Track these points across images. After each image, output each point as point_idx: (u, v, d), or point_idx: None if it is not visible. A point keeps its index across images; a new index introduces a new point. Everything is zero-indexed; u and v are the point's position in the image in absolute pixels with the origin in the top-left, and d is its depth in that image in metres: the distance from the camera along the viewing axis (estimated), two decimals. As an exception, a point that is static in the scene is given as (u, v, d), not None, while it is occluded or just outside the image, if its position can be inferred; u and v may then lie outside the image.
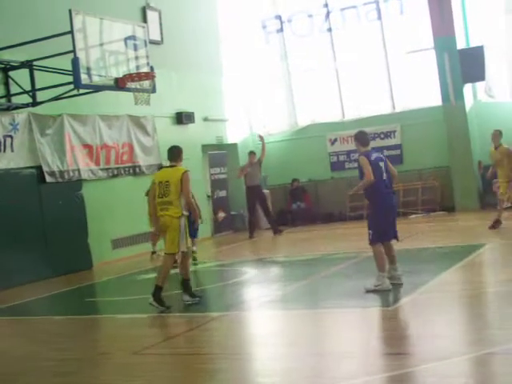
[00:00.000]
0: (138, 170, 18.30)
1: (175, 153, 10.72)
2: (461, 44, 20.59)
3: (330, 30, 22.59)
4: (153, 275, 14.26)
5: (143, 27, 15.00)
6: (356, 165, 10.51)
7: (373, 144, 21.15)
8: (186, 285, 10.38)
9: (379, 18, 21.88)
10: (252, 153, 20.11)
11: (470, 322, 8.05)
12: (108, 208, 17.01)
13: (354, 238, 17.27)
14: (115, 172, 17.59)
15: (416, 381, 6.10)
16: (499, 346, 6.63)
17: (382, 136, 21.80)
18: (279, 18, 23.18)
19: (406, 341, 7.30)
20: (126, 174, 17.97)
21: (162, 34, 19.60)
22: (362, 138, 10.27)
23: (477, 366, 6.30)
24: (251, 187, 19.76)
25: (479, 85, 21.02)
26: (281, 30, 23.20)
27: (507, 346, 6.56)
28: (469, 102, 20.77)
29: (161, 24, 19.62)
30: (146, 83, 14.32)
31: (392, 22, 21.87)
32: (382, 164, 10.00)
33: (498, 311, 8.37)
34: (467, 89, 20.76)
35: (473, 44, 20.81)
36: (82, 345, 8.72)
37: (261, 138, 20.25)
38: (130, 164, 18.09)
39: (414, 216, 20.15)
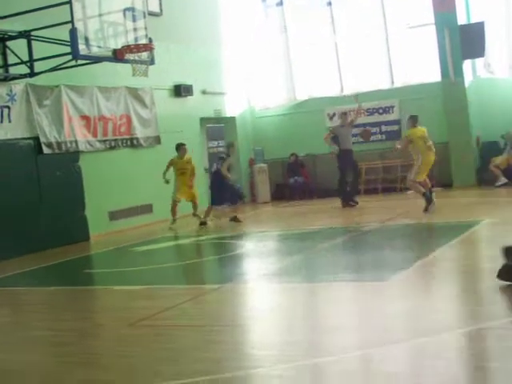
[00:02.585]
0: (135, 142, 18.27)
1: None
2: (461, 20, 20.49)
3: (329, 3, 22.43)
4: (149, 247, 14.36)
5: (142, -2, 14.90)
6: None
7: (371, 119, 21.40)
8: None
9: (381, -8, 21.75)
10: (344, 114, 18.94)
11: (465, 297, 8.08)
12: (105, 180, 17.01)
13: (352, 212, 17.33)
14: (113, 144, 17.55)
15: (411, 354, 6.14)
16: (493, 320, 6.66)
17: (381, 111, 21.74)
18: (279, -10, 23.03)
19: (401, 314, 7.32)
20: (124, 146, 17.94)
21: (161, 5, 19.47)
22: None
23: (472, 340, 6.33)
24: (344, 150, 18.23)
25: (478, 61, 20.97)
26: (280, 3, 23.03)
27: (501, 321, 6.60)
28: (468, 78, 20.71)
29: (160, -5, 19.51)
30: (145, 55, 14.28)
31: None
32: None
33: (493, 286, 8.41)
34: (466, 65, 20.69)
35: (473, 20, 20.71)
36: (78, 316, 8.75)
37: (356, 98, 19.33)
38: (127, 136, 18.04)
39: (410, 192, 20.14)
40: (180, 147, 16.99)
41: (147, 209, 18.30)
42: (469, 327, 6.59)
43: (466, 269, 9.45)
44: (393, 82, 21.96)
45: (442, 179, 20.49)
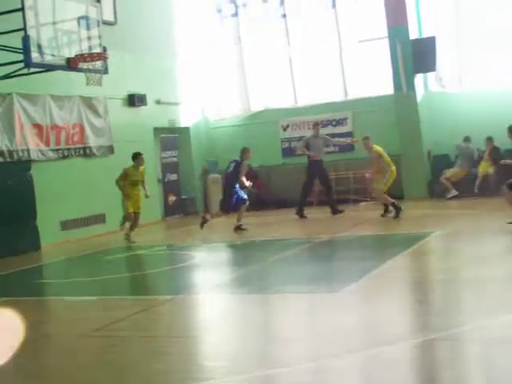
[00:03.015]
0: (88, 151, 18.12)
1: None
2: (413, 34, 20.77)
3: (284, 16, 22.60)
4: (102, 257, 14.24)
5: (96, 7, 14.78)
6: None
7: (324, 131, 21.48)
8: None
9: (334, 5, 21.95)
10: (316, 124, 19.04)
11: (415, 308, 8.17)
12: (57, 189, 16.83)
13: (306, 223, 17.41)
14: (65, 153, 17.38)
15: (362, 365, 6.18)
16: (444, 331, 6.74)
17: (334, 123, 21.91)
18: (234, 2, 23.09)
19: (353, 325, 7.37)
20: (77, 155, 17.79)
21: (115, 14, 19.38)
22: None
23: (424, 350, 6.40)
24: (315, 161, 18.31)
25: (430, 75, 21.26)
26: (235, 14, 23.12)
27: (448, 332, 6.68)
28: (420, 91, 20.99)
29: (114, 4, 19.38)
30: (99, 64, 14.17)
31: (346, 10, 21.95)
32: None
33: (441, 298, 8.53)
34: (419, 79, 20.96)
35: (425, 34, 21.01)
36: (26, 326, 8.62)
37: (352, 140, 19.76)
38: (80, 145, 17.89)
39: (363, 203, 20.31)
40: (137, 157, 16.18)
41: (100, 219, 18.15)
42: (420, 338, 6.65)
43: (418, 280, 9.56)
44: (346, 95, 22.15)
45: (394, 191, 20.64)
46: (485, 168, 18.82)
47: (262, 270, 11.44)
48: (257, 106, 23.16)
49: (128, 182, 16.02)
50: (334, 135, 21.05)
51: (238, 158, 16.67)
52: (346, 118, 21.82)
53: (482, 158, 19.12)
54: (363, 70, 21.88)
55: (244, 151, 16.73)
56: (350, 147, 20.64)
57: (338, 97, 22.14)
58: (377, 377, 5.81)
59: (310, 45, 22.33)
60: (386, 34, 20.81)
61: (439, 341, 6.53)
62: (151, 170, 19.00)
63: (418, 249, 12.00)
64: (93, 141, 18.24)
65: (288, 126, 22.32)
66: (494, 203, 15.49)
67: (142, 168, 16.20)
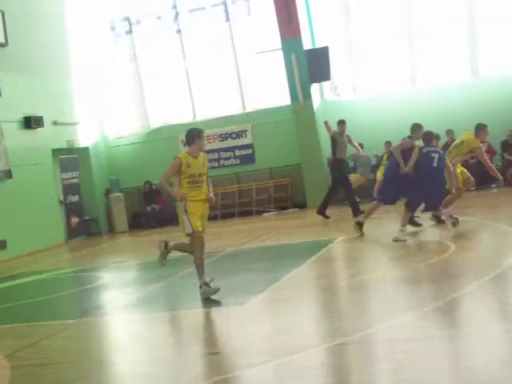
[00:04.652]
0: (-16, 175, 17.71)
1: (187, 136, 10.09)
2: (307, 45, 21.15)
3: (179, 31, 22.67)
4: (5, 284, 13.90)
5: (-15, 29, 14.53)
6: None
7: (225, 144, 21.67)
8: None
9: (227, 19, 22.15)
10: (342, 122, 17.26)
11: (322, 315, 8.31)
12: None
13: (209, 237, 17.39)
14: (-39, 180, 16.96)
15: (277, 374, 6.25)
16: (350, 336, 6.89)
17: (234, 136, 22.06)
18: (128, 19, 23.02)
19: (260, 336, 7.44)
20: (-27, 182, 17.37)
21: (6, 35, 19.01)
22: None
23: (329, 356, 6.52)
24: (340, 160, 17.14)
25: (326, 84, 21.68)
26: (130, 31, 23.05)
27: (356, 336, 6.84)
28: (316, 100, 21.37)
29: (4, 25, 19.02)
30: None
31: (240, 23, 22.19)
32: None
33: (348, 303, 8.71)
34: (314, 88, 21.35)
35: (318, 44, 21.43)
36: None
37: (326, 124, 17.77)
38: (-24, 171, 17.48)
39: (266, 214, 20.50)
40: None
41: (0, 245, 17.72)
42: (329, 343, 6.76)
43: (324, 286, 9.71)
44: (244, 107, 22.34)
45: (296, 200, 20.98)
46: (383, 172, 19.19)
47: (169, 287, 11.40)
48: (156, 123, 23.09)
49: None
50: (234, 148, 21.22)
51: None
52: (245, 131, 22.01)
53: (380, 162, 19.53)
54: (260, 82, 22.14)
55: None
56: (252, 159, 20.82)
57: (236, 109, 22.30)
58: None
59: (206, 59, 22.45)
60: (280, 46, 21.11)
61: (348, 345, 6.66)
62: (51, 191, 18.68)
63: (322, 256, 12.18)
64: (-11, 166, 17.83)
65: (188, 140, 22.28)
66: (394, 207, 15.82)
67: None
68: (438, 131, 17.51)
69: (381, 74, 21.31)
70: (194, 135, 9.92)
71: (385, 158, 19.06)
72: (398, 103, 20.66)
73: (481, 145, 13.21)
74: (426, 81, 20.94)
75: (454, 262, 10.22)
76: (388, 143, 18.93)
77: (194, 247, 9.71)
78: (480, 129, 13.09)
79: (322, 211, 17.48)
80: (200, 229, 9.65)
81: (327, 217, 17.40)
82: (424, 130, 13.10)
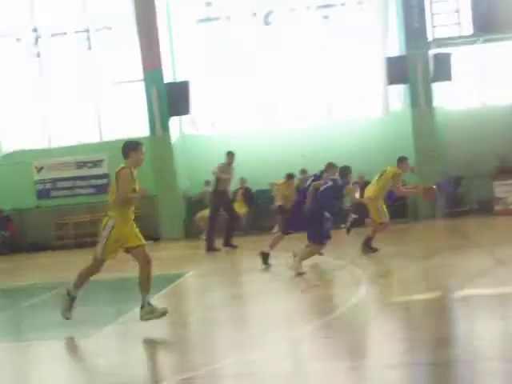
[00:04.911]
0: None
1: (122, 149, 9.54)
2: (168, 77, 21.20)
3: (38, 55, 22.22)
4: None
5: None
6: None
7: (80, 173, 21.30)
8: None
9: (89, 47, 21.96)
10: (231, 153, 16.93)
11: (170, 349, 8.26)
12: None
13: (57, 267, 16.99)
14: None
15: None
16: (197, 370, 6.86)
17: (90, 165, 21.73)
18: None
19: (104, 371, 7.31)
20: None
21: None
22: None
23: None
24: (223, 191, 16.85)
25: (185, 118, 21.78)
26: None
27: (203, 370, 6.82)
28: (175, 134, 21.41)
29: None
30: None
31: (103, 52, 22.02)
32: None
33: (196, 337, 8.70)
34: (174, 121, 21.39)
35: (180, 78, 21.52)
36: None
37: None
38: None
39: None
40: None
41: None
42: (176, 378, 6.71)
43: (172, 320, 9.64)
44: (101, 136, 22.09)
45: (150, 232, 20.79)
46: (237, 208, 19.41)
47: (15, 317, 11.02)
48: (9, 147, 22.43)
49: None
50: (90, 177, 20.90)
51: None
52: (101, 160, 21.72)
53: (234, 199, 19.76)
54: (119, 112, 21.98)
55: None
56: (107, 189, 20.53)
57: (93, 138, 22.02)
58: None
59: (65, 85, 22.13)
60: (143, 77, 21.07)
61: (195, 379, 6.63)
62: None
63: (172, 290, 12.12)
64: None
65: (43, 167, 21.81)
66: (248, 242, 16.04)
67: None
68: (294, 170, 18.08)
69: (240, 110, 21.65)
70: (128, 148, 9.54)
71: (239, 194, 19.34)
72: (255, 140, 21.00)
73: (401, 172, 14.06)
74: (284, 120, 21.47)
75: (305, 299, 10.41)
76: (242, 180, 19.19)
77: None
78: (401, 161, 14.04)
79: (227, 243, 17.01)
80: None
81: (217, 249, 16.78)
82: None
